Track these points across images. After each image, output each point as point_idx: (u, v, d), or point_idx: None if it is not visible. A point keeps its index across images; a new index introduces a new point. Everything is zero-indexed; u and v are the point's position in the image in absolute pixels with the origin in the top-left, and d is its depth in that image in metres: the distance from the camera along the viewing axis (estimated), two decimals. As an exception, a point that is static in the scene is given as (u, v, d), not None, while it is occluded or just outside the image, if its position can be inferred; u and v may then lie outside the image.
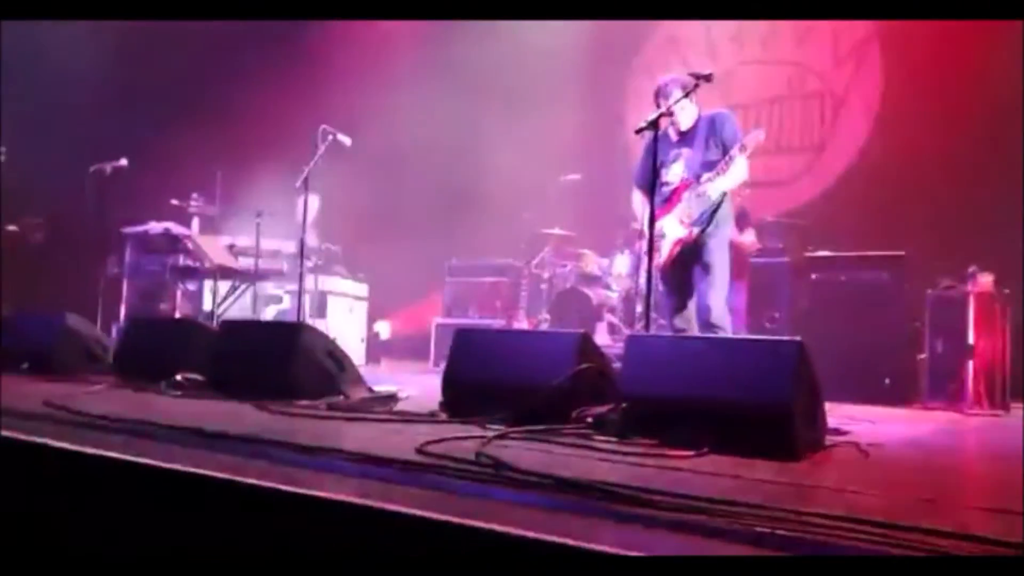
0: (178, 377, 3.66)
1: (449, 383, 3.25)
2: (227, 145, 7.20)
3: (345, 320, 6.61)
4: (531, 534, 1.46)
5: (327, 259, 6.58)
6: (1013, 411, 4.92)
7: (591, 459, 2.32)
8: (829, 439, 2.79)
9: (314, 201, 5.51)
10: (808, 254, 5.95)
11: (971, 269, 5.09)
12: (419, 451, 2.23)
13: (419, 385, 4.87)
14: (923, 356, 5.24)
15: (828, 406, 2.79)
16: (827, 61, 8.26)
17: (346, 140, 5.01)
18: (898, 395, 5.19)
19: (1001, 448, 3.39)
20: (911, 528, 1.45)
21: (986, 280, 5.02)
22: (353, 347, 6.53)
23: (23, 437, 2.16)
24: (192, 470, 1.91)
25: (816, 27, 8.31)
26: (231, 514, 1.84)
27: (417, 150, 8.65)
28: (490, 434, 2.55)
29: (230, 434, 2.39)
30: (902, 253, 5.61)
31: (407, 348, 8.31)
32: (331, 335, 4.24)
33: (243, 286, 6.12)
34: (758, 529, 1.45)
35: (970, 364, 4.94)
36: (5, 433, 2.25)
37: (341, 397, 3.53)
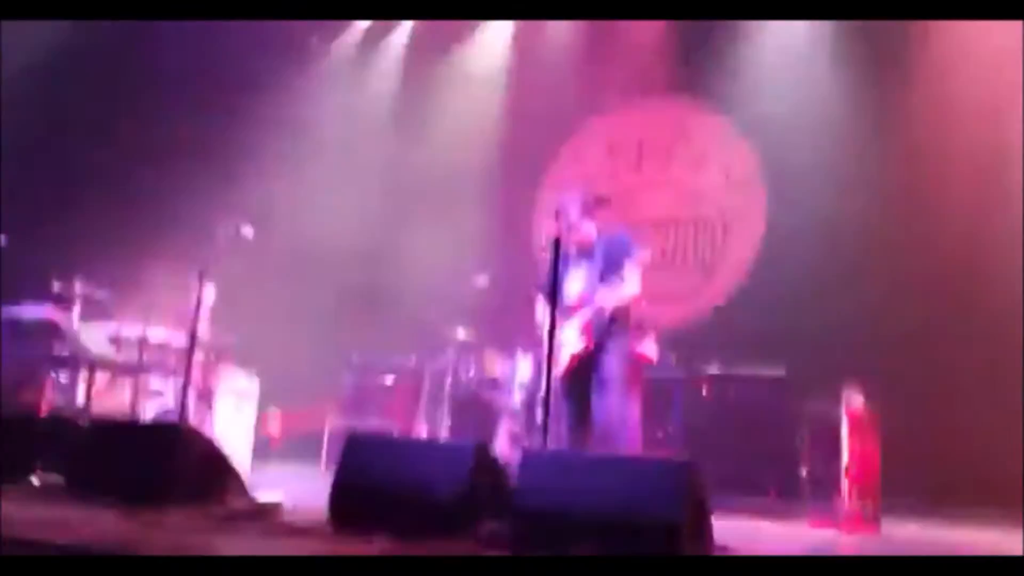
0: (33, 479, 3.36)
1: (339, 492, 3.11)
2: (118, 226, 6.93)
3: (232, 418, 6.28)
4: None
5: (218, 353, 6.30)
6: (884, 528, 5.13)
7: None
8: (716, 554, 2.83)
9: (210, 291, 5.32)
10: (699, 371, 6.19)
11: (845, 391, 5.40)
12: None
13: (308, 491, 4.64)
14: (804, 473, 5.46)
15: (718, 521, 2.85)
16: (720, 187, 8.89)
17: (248, 232, 4.92)
18: (784, 509, 5.36)
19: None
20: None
21: (857, 401, 5.33)
22: (240, 446, 6.18)
23: None
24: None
25: (709, 155, 8.98)
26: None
27: (321, 244, 8.59)
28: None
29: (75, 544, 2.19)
30: (782, 374, 5.93)
31: (299, 449, 7.94)
32: (216, 433, 4.02)
33: (124, 380, 5.75)
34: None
35: (845, 482, 5.17)
36: None
37: (221, 505, 3.32)
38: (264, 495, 3.74)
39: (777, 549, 3.45)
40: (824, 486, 5.29)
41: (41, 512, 2.98)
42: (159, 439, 3.43)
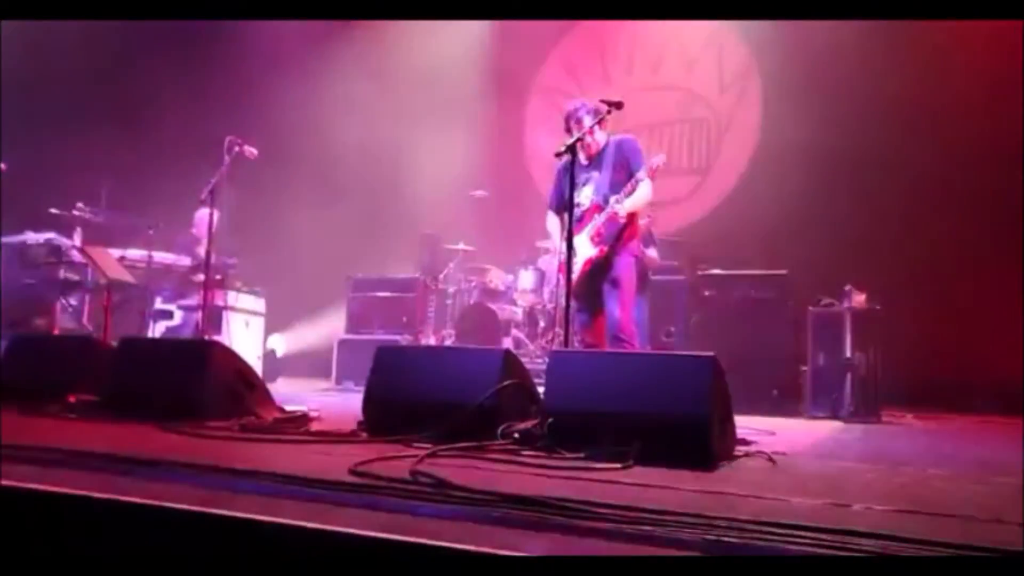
0: (71, 398, 3.43)
1: (371, 401, 3.21)
2: (117, 152, 6.80)
3: (242, 336, 6.36)
4: (473, 548, 1.49)
5: (224, 273, 6.32)
6: (885, 419, 5.36)
7: (523, 474, 2.36)
8: (739, 449, 2.97)
9: (214, 214, 5.28)
10: (701, 272, 6.28)
11: (847, 288, 5.52)
12: (352, 472, 2.20)
13: (324, 403, 4.77)
14: (806, 369, 5.63)
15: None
16: (713, 88, 8.77)
17: (252, 152, 4.86)
18: (785, 406, 5.55)
19: (888, 452, 3.70)
20: (836, 531, 1.58)
21: (860, 298, 5.46)
22: (250, 364, 6.29)
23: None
24: (116, 498, 1.81)
25: (703, 56, 8.81)
26: (162, 543, 1.75)
27: (319, 164, 8.50)
28: (421, 452, 2.55)
29: (145, 459, 2.27)
30: (785, 272, 6.02)
31: (305, 365, 8.09)
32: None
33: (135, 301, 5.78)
34: (706, 537, 1.54)
35: (848, 376, 5.35)
36: None
37: (253, 417, 3.41)
38: (289, 407, 3.85)
39: (790, 442, 3.61)
40: (826, 383, 5.47)
41: (82, 429, 3.07)
42: (191, 356, 3.49)
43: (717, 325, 5.97)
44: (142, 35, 7.66)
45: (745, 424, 3.87)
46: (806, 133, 7.21)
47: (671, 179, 8.55)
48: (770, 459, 2.83)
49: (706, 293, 6.18)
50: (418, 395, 3.11)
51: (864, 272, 5.96)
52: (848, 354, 5.35)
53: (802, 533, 1.56)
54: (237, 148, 4.72)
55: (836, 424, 5.08)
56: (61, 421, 3.25)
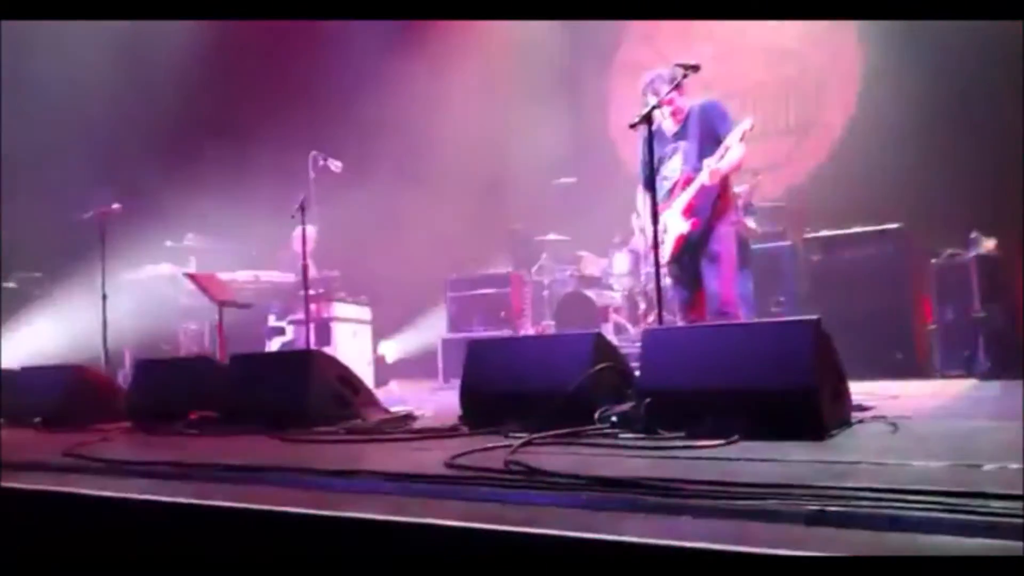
0: (192, 416, 3.62)
1: (467, 396, 3.22)
2: (216, 181, 7.18)
3: (351, 345, 6.57)
4: (570, 534, 1.44)
5: (328, 286, 6.55)
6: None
7: (621, 456, 2.30)
8: (855, 415, 2.77)
9: (310, 229, 5.48)
10: (807, 236, 5.95)
11: (973, 235, 5.09)
12: (448, 464, 2.20)
13: (433, 402, 4.86)
14: (932, 327, 5.23)
15: (850, 385, 2.77)
16: (805, 43, 8.30)
17: (336, 165, 4.99)
18: (912, 368, 5.18)
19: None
20: (960, 493, 1.43)
21: (989, 244, 5.02)
22: (361, 371, 6.49)
23: (50, 488, 2.13)
24: (228, 504, 1.88)
25: (790, 10, 8.36)
26: (270, 544, 1.81)
27: (406, 170, 8.65)
28: (515, 442, 2.52)
29: (255, 466, 2.36)
30: (900, 225, 5.61)
31: (415, 367, 8.27)
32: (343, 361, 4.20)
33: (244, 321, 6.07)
34: (809, 508, 1.43)
35: (980, 330, 4.93)
36: (28, 485, 2.23)
37: (358, 420, 3.50)
38: (395, 408, 3.93)
39: (915, 405, 3.35)
40: (956, 339, 5.06)
41: (201, 443, 3.24)
42: (295, 366, 3.62)
43: (830, 289, 5.65)
44: (217, 61, 8.01)
45: (867, 390, 3.64)
46: (911, 77, 6.68)
47: (767, 143, 8.18)
48: (891, 423, 2.62)
49: (815, 257, 5.85)
50: (512, 386, 3.09)
51: (990, 217, 5.47)
52: (978, 306, 4.92)
53: (920, 498, 1.42)
54: (322, 162, 4.86)
55: (969, 383, 4.69)
56: (183, 437, 3.44)
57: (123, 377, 5.84)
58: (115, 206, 5.47)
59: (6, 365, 5.11)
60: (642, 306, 6.91)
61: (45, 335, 6.55)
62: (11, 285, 6.85)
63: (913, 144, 6.62)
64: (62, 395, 4.15)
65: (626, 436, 2.63)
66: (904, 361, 5.21)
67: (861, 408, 2.93)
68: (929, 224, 5.76)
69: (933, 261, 5.26)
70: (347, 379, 3.70)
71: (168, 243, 6.38)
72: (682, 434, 2.54)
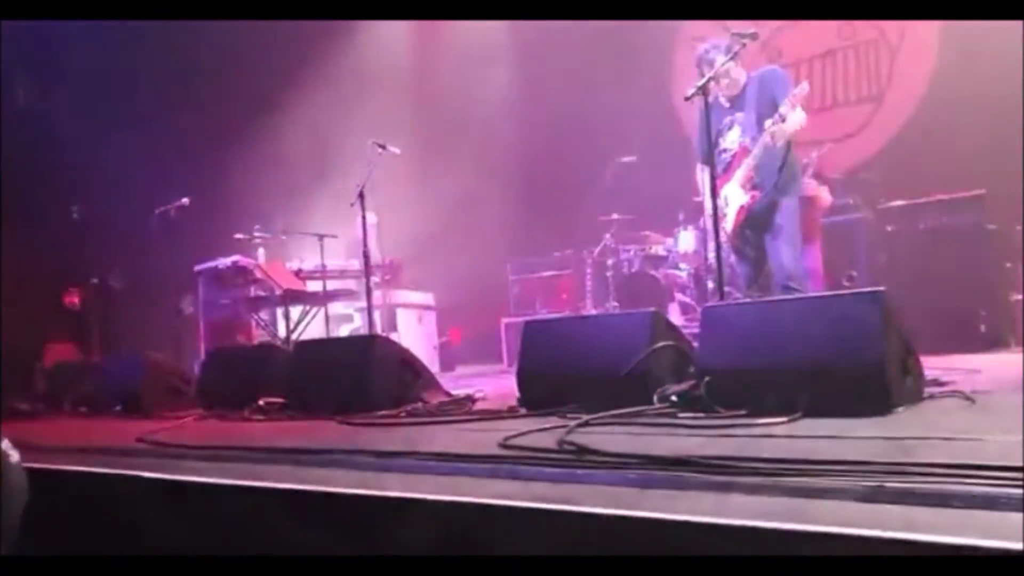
0: (260, 402, 3.73)
1: (524, 377, 3.21)
2: (281, 172, 7.36)
3: (416, 330, 6.67)
4: (622, 512, 1.42)
5: (392, 272, 6.65)
6: None
7: (679, 436, 2.26)
8: (928, 390, 2.64)
9: (371, 216, 5.55)
10: (882, 206, 5.69)
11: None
12: (502, 445, 2.20)
13: (496, 385, 4.87)
14: (1019, 297, 4.94)
15: (926, 360, 2.64)
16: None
17: (395, 151, 5.02)
18: (998, 341, 4.91)
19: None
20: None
21: (1080, 208, 4.70)
22: (427, 356, 6.57)
23: (126, 472, 2.23)
24: (288, 486, 1.94)
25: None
26: (331, 524, 1.85)
27: (466, 153, 8.65)
28: (571, 423, 2.50)
29: (311, 449, 2.42)
30: (982, 192, 5.30)
31: (480, 351, 8.32)
32: (404, 346, 4.26)
33: (314, 309, 6.22)
34: (865, 484, 1.36)
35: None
36: (106, 470, 2.34)
37: (420, 404, 3.54)
38: (456, 391, 3.95)
39: (997, 379, 3.16)
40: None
41: (268, 428, 3.34)
42: (358, 351, 3.69)
43: (907, 261, 5.39)
44: (269, 57, 8.17)
45: (947, 364, 3.46)
46: (995, 37, 6.28)
47: (840, 112, 7.86)
48: (967, 398, 2.49)
49: (890, 228, 5.60)
50: (569, 366, 3.07)
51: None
52: (1070, 274, 4.62)
53: (986, 473, 1.34)
54: (380, 150, 4.91)
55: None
56: (252, 423, 3.55)
57: (197, 365, 6.07)
58: (183, 201, 5.67)
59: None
60: (710, 285, 6.74)
61: (126, 326, 6.89)
62: (93, 281, 7.20)
63: (995, 109, 6.22)
64: (138, 382, 4.35)
65: (685, 416, 2.58)
66: (988, 334, 4.93)
67: (937, 383, 2.79)
68: (1012, 190, 5.41)
69: (1018, 228, 4.95)
70: (409, 363, 3.74)
71: (237, 235, 6.57)
72: (743, 412, 2.47)
